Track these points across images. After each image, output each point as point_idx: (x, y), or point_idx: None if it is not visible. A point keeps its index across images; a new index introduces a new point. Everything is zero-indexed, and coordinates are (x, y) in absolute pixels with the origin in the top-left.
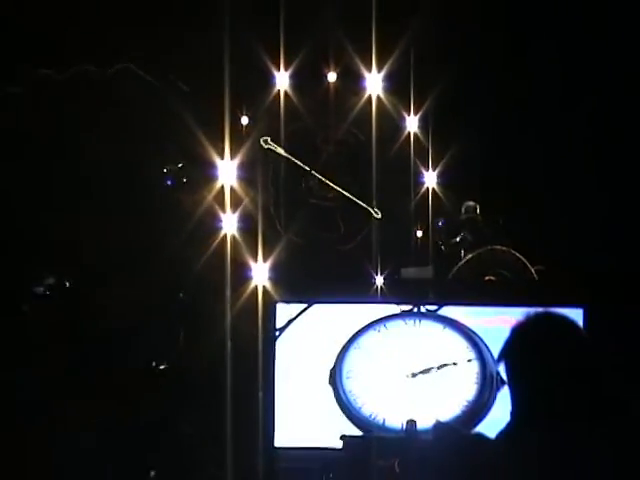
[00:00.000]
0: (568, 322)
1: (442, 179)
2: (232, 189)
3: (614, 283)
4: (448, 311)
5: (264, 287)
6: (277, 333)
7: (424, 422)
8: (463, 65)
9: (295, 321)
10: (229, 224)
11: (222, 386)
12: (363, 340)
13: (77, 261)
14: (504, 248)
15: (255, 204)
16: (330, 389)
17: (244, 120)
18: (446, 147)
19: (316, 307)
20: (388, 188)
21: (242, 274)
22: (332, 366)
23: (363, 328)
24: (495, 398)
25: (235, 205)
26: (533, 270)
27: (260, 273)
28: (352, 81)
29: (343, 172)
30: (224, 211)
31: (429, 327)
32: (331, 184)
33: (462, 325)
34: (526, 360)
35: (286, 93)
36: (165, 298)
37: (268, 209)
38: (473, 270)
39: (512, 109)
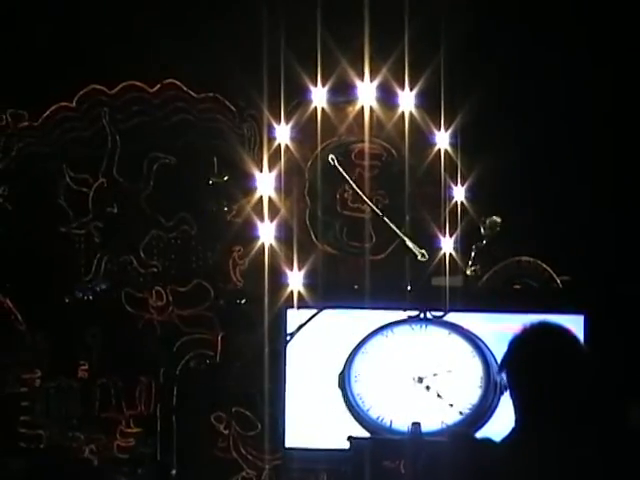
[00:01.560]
0: (565, 331)
1: (471, 193)
2: (270, 200)
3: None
4: (453, 317)
5: (299, 293)
6: (288, 338)
7: (430, 424)
8: (494, 82)
9: (305, 326)
10: (267, 234)
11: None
12: (371, 345)
13: (125, 267)
14: (530, 259)
15: (291, 215)
16: (339, 392)
17: (280, 134)
18: (475, 162)
19: (326, 313)
20: (419, 201)
21: (278, 282)
22: (341, 370)
23: (371, 333)
24: (499, 402)
25: (272, 215)
26: (559, 280)
27: (295, 281)
28: (386, 96)
29: (376, 186)
30: (262, 221)
31: (435, 332)
32: (365, 197)
33: (467, 331)
34: (525, 370)
35: (323, 110)
36: (206, 304)
37: (303, 219)
38: (500, 280)
39: (542, 125)
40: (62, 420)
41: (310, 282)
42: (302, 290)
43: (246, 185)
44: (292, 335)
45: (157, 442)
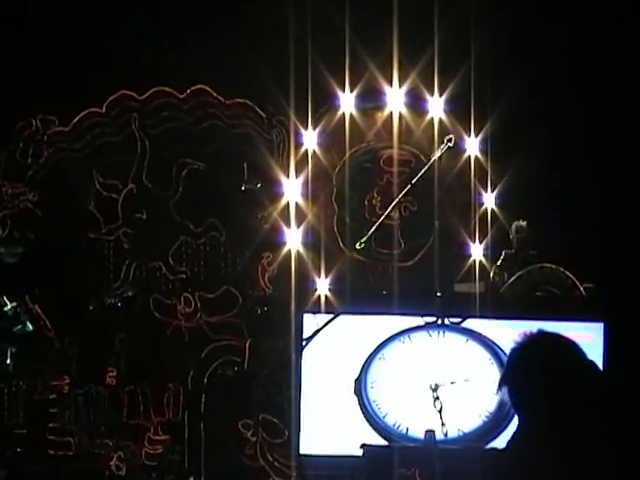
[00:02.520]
0: (564, 341)
1: (500, 199)
2: (297, 206)
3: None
4: (471, 323)
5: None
6: (304, 343)
7: (446, 432)
8: (523, 87)
9: (321, 331)
10: (294, 240)
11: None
12: (388, 351)
13: (154, 273)
14: (553, 266)
15: (319, 221)
16: (355, 398)
17: (308, 140)
18: (505, 168)
19: (342, 318)
20: (447, 207)
21: (306, 288)
22: (357, 376)
23: (388, 339)
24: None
25: (300, 222)
26: (582, 288)
27: (323, 287)
28: (415, 103)
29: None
30: (290, 227)
31: (452, 339)
32: (393, 203)
33: (485, 337)
34: (526, 382)
35: (352, 116)
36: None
37: (331, 226)
38: (522, 287)
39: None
40: (90, 427)
41: (337, 288)
42: (329, 295)
43: (274, 191)
44: (308, 340)
45: (185, 449)
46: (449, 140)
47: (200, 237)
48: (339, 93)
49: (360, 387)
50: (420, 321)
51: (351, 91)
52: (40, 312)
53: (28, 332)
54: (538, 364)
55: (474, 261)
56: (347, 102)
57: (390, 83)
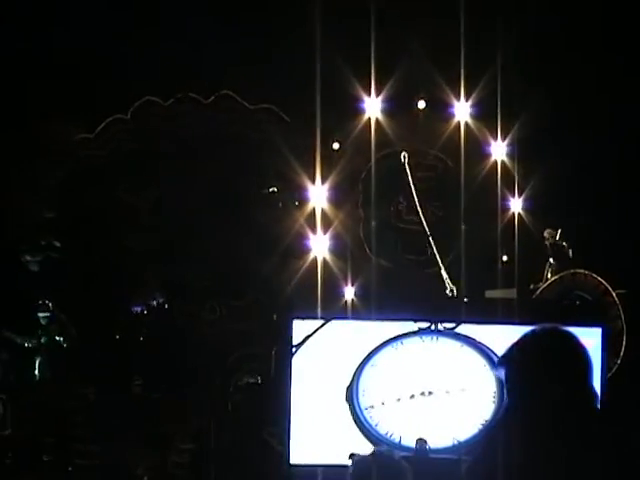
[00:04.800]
0: (568, 337)
1: (528, 204)
2: (323, 212)
3: None
4: (465, 329)
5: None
6: (293, 349)
7: (440, 441)
8: (550, 92)
9: (312, 337)
10: (320, 246)
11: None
12: (380, 357)
13: (179, 281)
14: (586, 272)
15: (345, 227)
16: (346, 406)
17: (334, 146)
18: (532, 173)
19: (333, 323)
20: (475, 212)
21: (332, 294)
22: (348, 383)
23: (380, 345)
24: None
25: (326, 227)
26: (614, 294)
27: (349, 293)
28: (441, 108)
29: (431, 197)
30: (315, 233)
31: (446, 345)
32: (419, 209)
33: (480, 343)
34: (523, 363)
35: (377, 120)
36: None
37: (357, 232)
38: (554, 292)
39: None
40: (116, 436)
41: (363, 294)
42: (356, 302)
43: (300, 197)
44: (298, 347)
45: (210, 457)
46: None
47: (226, 244)
48: (365, 98)
49: (352, 395)
50: (413, 327)
51: (377, 97)
52: (66, 320)
53: (56, 341)
54: (544, 353)
55: (503, 266)
56: (372, 107)
57: (415, 88)
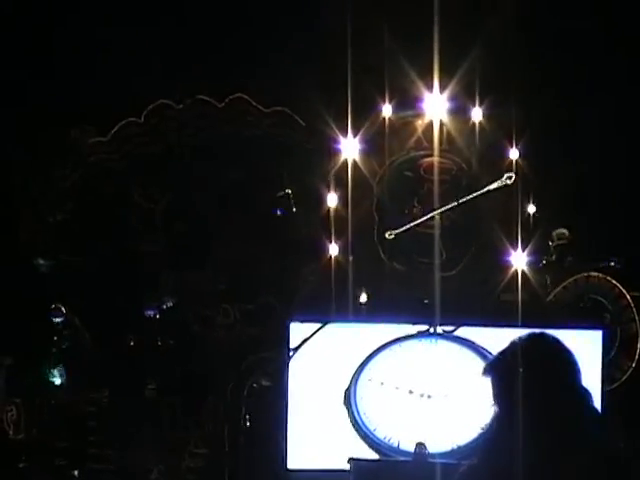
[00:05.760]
0: (553, 342)
1: (542, 207)
2: (337, 215)
3: None
4: (465, 332)
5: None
6: (291, 353)
7: (440, 445)
8: (565, 94)
9: (309, 341)
10: (334, 250)
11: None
12: (378, 361)
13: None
14: (600, 275)
15: (359, 230)
16: (344, 410)
17: (348, 149)
18: (548, 176)
19: (331, 327)
20: (490, 216)
21: (347, 297)
22: (346, 387)
23: (378, 348)
24: None
25: (340, 231)
26: (629, 297)
27: (362, 298)
28: (456, 110)
29: (446, 201)
30: (330, 237)
31: (445, 348)
32: (435, 212)
33: (478, 346)
34: (510, 371)
35: (392, 123)
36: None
37: (372, 236)
38: (569, 296)
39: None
40: (130, 440)
41: (375, 297)
42: (368, 305)
43: (314, 200)
44: (295, 350)
45: (225, 463)
46: (509, 178)
47: (239, 247)
48: (379, 101)
49: (350, 398)
50: (412, 330)
51: (391, 99)
52: (79, 324)
53: (69, 346)
54: (532, 360)
55: (517, 270)
56: (387, 110)
57: (430, 90)
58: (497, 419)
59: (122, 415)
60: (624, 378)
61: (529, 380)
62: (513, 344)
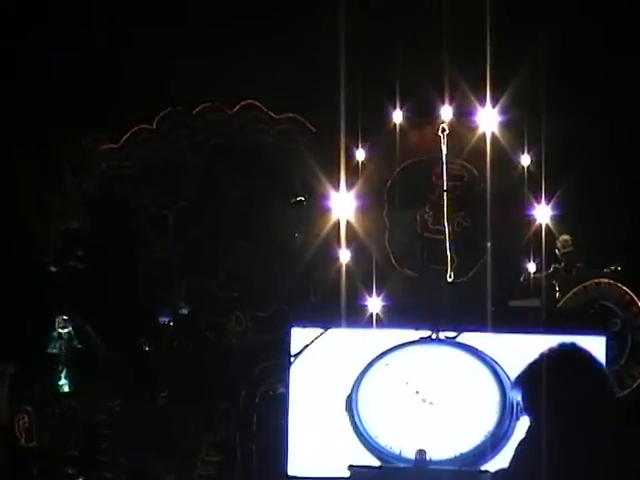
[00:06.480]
0: (586, 355)
1: (555, 214)
2: (348, 222)
3: None
4: (467, 338)
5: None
6: (292, 359)
7: (442, 452)
8: (579, 100)
9: (311, 346)
10: (345, 256)
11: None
12: (380, 367)
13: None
14: (610, 281)
15: (370, 237)
16: (346, 416)
17: (359, 155)
18: (559, 182)
19: (332, 332)
20: (501, 222)
21: (357, 304)
22: (348, 393)
23: (380, 354)
24: (515, 428)
25: (351, 237)
26: None
27: (374, 304)
28: (466, 116)
29: (457, 207)
30: (339, 243)
31: (448, 354)
32: (445, 219)
33: (482, 352)
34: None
35: (402, 129)
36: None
37: (383, 242)
38: (579, 302)
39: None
40: (142, 448)
41: (389, 304)
42: (381, 312)
43: (325, 207)
44: (296, 356)
45: (237, 470)
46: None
47: (251, 254)
48: (390, 108)
49: (351, 405)
50: (414, 335)
51: (402, 106)
52: (91, 332)
53: (80, 353)
54: (562, 371)
55: (529, 276)
56: (398, 116)
57: (442, 97)
58: (530, 430)
59: (134, 423)
60: (635, 385)
61: (560, 391)
62: (543, 355)
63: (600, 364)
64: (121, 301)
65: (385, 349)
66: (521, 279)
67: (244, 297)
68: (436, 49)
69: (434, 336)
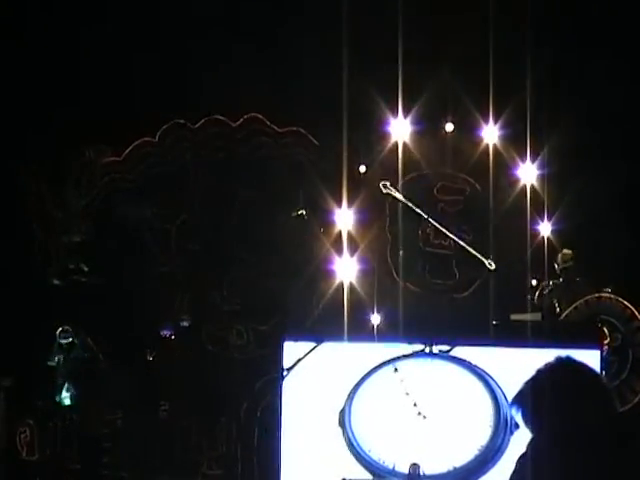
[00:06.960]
0: (586, 371)
1: (557, 228)
2: (350, 235)
3: None
4: (461, 352)
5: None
6: (285, 373)
7: (435, 466)
8: (579, 113)
9: (303, 360)
10: (347, 270)
11: None
12: (373, 381)
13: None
14: (611, 295)
15: (372, 251)
16: (339, 431)
17: (360, 169)
18: (562, 196)
19: (325, 346)
20: (503, 236)
21: (359, 318)
22: (341, 407)
23: (374, 368)
24: (509, 442)
25: (352, 251)
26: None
27: (372, 318)
28: (469, 131)
29: (459, 220)
30: (342, 257)
31: (442, 368)
32: (447, 232)
33: (475, 366)
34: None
35: (404, 143)
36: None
37: (385, 256)
38: (580, 316)
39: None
40: (144, 462)
41: (390, 318)
42: (383, 326)
43: (327, 220)
44: (289, 370)
45: None
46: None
47: (253, 267)
48: (392, 121)
49: (344, 419)
50: (408, 349)
51: (404, 119)
52: (93, 345)
53: (82, 365)
54: (561, 386)
55: (530, 289)
56: (401, 132)
57: (443, 110)
58: (531, 445)
59: (135, 436)
60: (636, 400)
61: (560, 407)
62: (542, 372)
63: (600, 379)
64: (123, 314)
65: (379, 363)
66: (523, 294)
67: (245, 310)
68: (439, 62)
69: (427, 350)
